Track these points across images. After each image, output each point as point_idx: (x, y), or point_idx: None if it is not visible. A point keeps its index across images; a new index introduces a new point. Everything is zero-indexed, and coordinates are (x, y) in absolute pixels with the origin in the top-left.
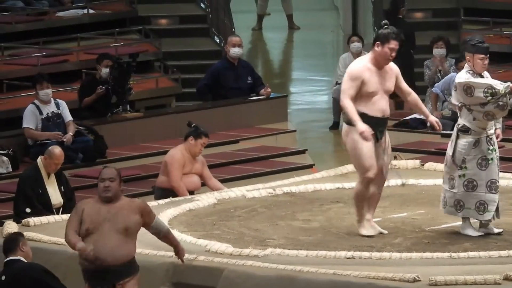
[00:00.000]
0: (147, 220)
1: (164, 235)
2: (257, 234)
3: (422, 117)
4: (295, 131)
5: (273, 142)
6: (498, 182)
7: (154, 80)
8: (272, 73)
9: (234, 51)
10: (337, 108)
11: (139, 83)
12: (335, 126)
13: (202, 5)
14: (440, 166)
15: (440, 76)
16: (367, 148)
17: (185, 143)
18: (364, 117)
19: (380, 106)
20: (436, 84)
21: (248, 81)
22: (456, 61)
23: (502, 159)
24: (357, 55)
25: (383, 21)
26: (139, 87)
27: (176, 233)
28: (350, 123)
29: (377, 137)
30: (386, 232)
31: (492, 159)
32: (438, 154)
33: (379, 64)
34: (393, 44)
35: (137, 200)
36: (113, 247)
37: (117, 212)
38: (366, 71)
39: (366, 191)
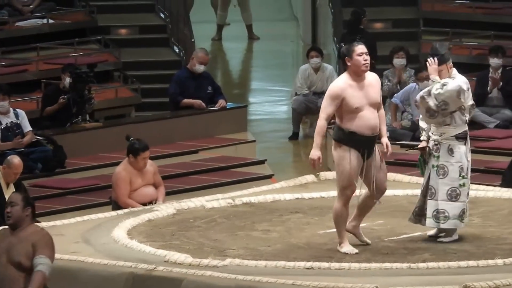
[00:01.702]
0: (35, 254)
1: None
2: (216, 244)
3: None
4: (254, 141)
5: (233, 152)
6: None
7: (113, 90)
8: (232, 83)
9: (200, 68)
10: (296, 118)
11: (99, 93)
12: (295, 137)
13: (162, 15)
14: (400, 177)
15: (399, 87)
16: (350, 166)
17: (128, 159)
18: (353, 135)
19: (369, 122)
20: (395, 95)
21: (208, 91)
22: (416, 71)
23: None
24: (316, 69)
25: (340, 44)
26: (98, 97)
27: (136, 244)
28: (337, 139)
29: (364, 157)
30: (369, 242)
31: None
32: (398, 164)
33: (359, 77)
34: (359, 49)
35: (40, 232)
36: (10, 283)
37: (16, 244)
38: (348, 88)
39: (345, 210)
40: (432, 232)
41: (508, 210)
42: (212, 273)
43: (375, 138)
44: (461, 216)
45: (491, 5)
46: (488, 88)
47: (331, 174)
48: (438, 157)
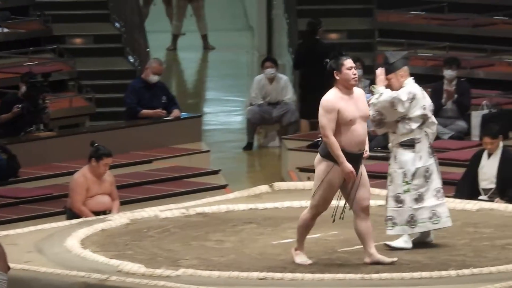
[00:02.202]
0: None
1: None
2: (169, 254)
3: None
4: (209, 151)
5: (187, 162)
6: None
7: (68, 100)
8: (187, 93)
9: (154, 79)
10: (251, 128)
11: (53, 102)
12: (249, 147)
13: (117, 24)
14: None
15: None
16: (329, 186)
17: (88, 164)
18: (342, 152)
19: (359, 138)
20: None
21: (162, 101)
22: (371, 82)
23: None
24: (271, 80)
25: (325, 60)
26: (53, 106)
27: (89, 253)
28: (324, 155)
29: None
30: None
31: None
32: None
33: (348, 90)
34: (348, 63)
35: None
36: None
37: None
38: (340, 100)
39: (312, 222)
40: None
41: (462, 221)
42: (165, 283)
43: (362, 155)
44: (409, 222)
45: (446, 16)
46: (443, 99)
47: (285, 185)
48: (390, 164)
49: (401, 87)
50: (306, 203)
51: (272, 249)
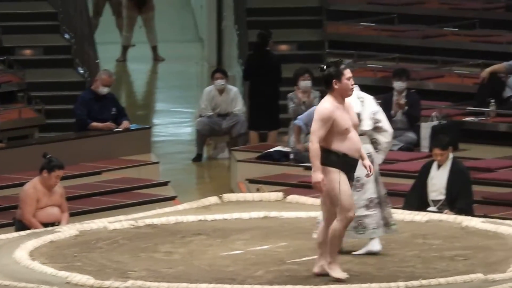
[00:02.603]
0: None
1: None
2: (118, 266)
3: (285, 149)
4: (158, 162)
5: (136, 174)
6: None
7: (17, 111)
8: (136, 104)
9: (103, 91)
10: (200, 140)
11: (2, 113)
12: (198, 158)
13: (67, 36)
14: (303, 199)
15: (304, 109)
16: (345, 188)
17: (40, 175)
18: (346, 157)
19: (357, 145)
20: (299, 117)
21: (112, 112)
22: (322, 93)
23: None
24: (221, 91)
25: (320, 66)
26: (2, 118)
27: (37, 265)
28: (328, 163)
29: (351, 179)
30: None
31: None
32: (301, 186)
33: (343, 100)
34: (348, 73)
35: None
36: None
37: None
38: (336, 110)
39: (344, 232)
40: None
41: (410, 233)
42: None
43: (358, 161)
44: (356, 228)
45: (396, 27)
46: (392, 111)
47: (234, 196)
48: None
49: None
50: (254, 214)
51: (221, 261)
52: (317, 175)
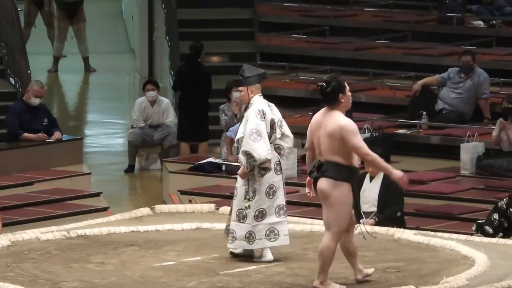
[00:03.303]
0: None
1: None
2: (51, 276)
3: (217, 161)
4: (90, 173)
5: (68, 185)
6: None
7: None
8: (68, 115)
9: (35, 102)
10: (132, 151)
11: None
12: (130, 169)
13: None
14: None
15: (236, 120)
16: (350, 208)
17: None
18: (357, 172)
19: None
20: (231, 129)
21: (44, 123)
22: None
23: (298, 204)
24: (152, 102)
25: (320, 84)
26: None
27: None
28: (343, 178)
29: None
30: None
31: None
32: (233, 198)
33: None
34: (347, 85)
35: None
36: None
37: None
38: None
39: (336, 246)
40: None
41: None
42: None
43: None
44: (248, 238)
45: (328, 40)
46: None
47: (166, 207)
48: (237, 178)
49: (249, 101)
50: (187, 225)
51: (154, 272)
52: (396, 171)
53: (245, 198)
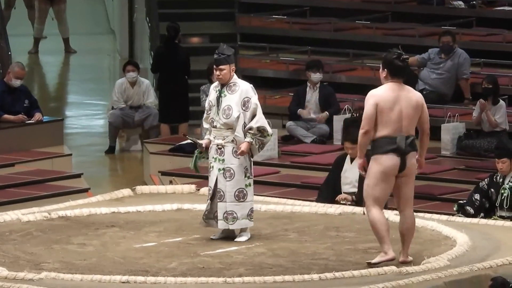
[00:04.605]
0: None
1: None
2: (32, 257)
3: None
4: (71, 155)
5: (49, 166)
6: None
7: None
8: (48, 96)
9: (16, 83)
10: (113, 132)
11: None
12: (111, 151)
13: None
14: None
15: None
16: None
17: None
18: None
19: None
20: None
21: (25, 105)
22: None
23: (278, 184)
24: (132, 83)
25: (404, 57)
26: None
27: None
28: (416, 150)
29: None
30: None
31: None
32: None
33: None
34: None
35: None
36: None
37: None
38: None
39: None
40: (215, 235)
41: (324, 226)
42: (28, 287)
43: None
44: (249, 215)
45: (308, 20)
46: (306, 103)
47: (147, 188)
48: (223, 160)
49: (229, 80)
50: (168, 206)
51: (135, 253)
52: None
53: (245, 176)
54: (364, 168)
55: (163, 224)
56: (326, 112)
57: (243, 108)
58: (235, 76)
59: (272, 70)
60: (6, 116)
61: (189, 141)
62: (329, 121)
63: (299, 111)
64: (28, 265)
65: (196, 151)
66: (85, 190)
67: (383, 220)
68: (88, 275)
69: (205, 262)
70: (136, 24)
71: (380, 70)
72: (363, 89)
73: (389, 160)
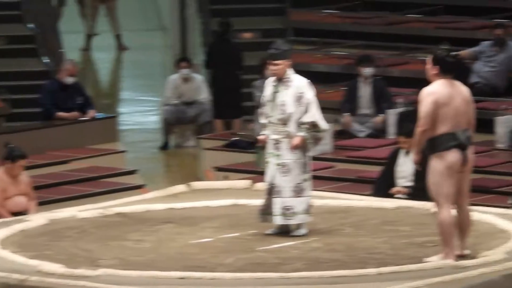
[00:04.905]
0: None
1: None
2: (88, 254)
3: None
4: (125, 151)
5: (104, 163)
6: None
7: None
8: (101, 93)
9: (69, 80)
10: (166, 128)
11: None
12: (165, 147)
13: (31, 25)
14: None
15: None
16: None
17: (3, 166)
18: None
19: None
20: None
21: (78, 101)
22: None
23: (333, 179)
24: (185, 79)
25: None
26: None
27: (8, 254)
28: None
29: None
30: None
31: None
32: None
33: None
34: None
35: None
36: None
37: None
38: None
39: None
40: (270, 230)
41: (380, 220)
42: (85, 283)
43: None
44: (307, 210)
45: (360, 14)
46: (359, 97)
47: (201, 184)
48: (279, 155)
49: (285, 75)
50: (223, 202)
51: (191, 249)
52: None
53: (302, 171)
54: (420, 163)
55: (218, 219)
56: (381, 115)
57: (298, 104)
58: (290, 72)
59: (324, 65)
60: (60, 113)
61: (241, 138)
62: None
63: (344, 120)
64: (84, 262)
65: (257, 148)
66: (140, 187)
67: (452, 221)
68: (144, 272)
69: (262, 257)
70: (187, 20)
71: (429, 66)
72: (416, 82)
73: (453, 156)
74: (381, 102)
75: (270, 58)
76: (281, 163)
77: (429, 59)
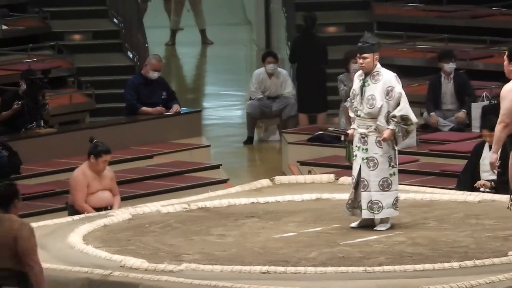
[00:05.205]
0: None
1: None
2: (172, 249)
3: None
4: (209, 146)
5: (188, 157)
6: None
7: (67, 96)
8: (186, 88)
9: (153, 75)
10: (251, 122)
11: (53, 98)
12: (249, 141)
13: (115, 20)
14: None
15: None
16: None
17: (88, 161)
18: None
19: None
20: (349, 98)
21: (162, 96)
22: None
23: (417, 173)
24: (270, 74)
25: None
26: (52, 103)
27: (91, 249)
28: None
29: None
30: None
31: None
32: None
33: None
34: None
35: None
36: None
37: None
38: None
39: None
40: (354, 224)
41: (463, 213)
42: (168, 278)
43: None
44: (394, 204)
45: (444, 8)
46: (442, 92)
47: (286, 178)
48: (366, 149)
49: (373, 69)
50: (306, 196)
51: (274, 243)
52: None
53: (389, 165)
54: (495, 165)
55: (302, 214)
56: (464, 111)
57: (387, 98)
58: (379, 65)
59: (409, 58)
60: (144, 108)
61: (329, 133)
62: (467, 109)
63: (431, 120)
64: (168, 256)
65: (346, 142)
66: (224, 181)
67: None
68: (228, 266)
69: (345, 251)
70: (272, 14)
71: (506, 63)
72: (501, 76)
73: None
74: (464, 96)
75: (358, 51)
76: (369, 157)
77: (505, 55)
